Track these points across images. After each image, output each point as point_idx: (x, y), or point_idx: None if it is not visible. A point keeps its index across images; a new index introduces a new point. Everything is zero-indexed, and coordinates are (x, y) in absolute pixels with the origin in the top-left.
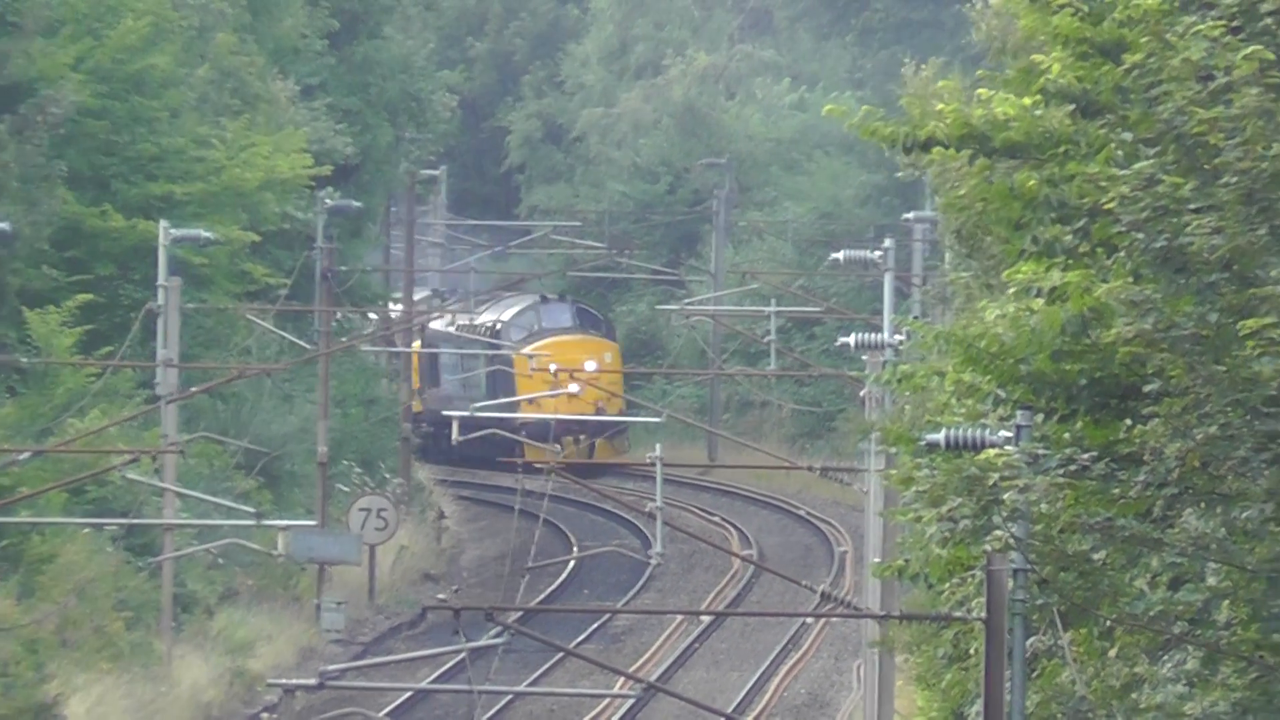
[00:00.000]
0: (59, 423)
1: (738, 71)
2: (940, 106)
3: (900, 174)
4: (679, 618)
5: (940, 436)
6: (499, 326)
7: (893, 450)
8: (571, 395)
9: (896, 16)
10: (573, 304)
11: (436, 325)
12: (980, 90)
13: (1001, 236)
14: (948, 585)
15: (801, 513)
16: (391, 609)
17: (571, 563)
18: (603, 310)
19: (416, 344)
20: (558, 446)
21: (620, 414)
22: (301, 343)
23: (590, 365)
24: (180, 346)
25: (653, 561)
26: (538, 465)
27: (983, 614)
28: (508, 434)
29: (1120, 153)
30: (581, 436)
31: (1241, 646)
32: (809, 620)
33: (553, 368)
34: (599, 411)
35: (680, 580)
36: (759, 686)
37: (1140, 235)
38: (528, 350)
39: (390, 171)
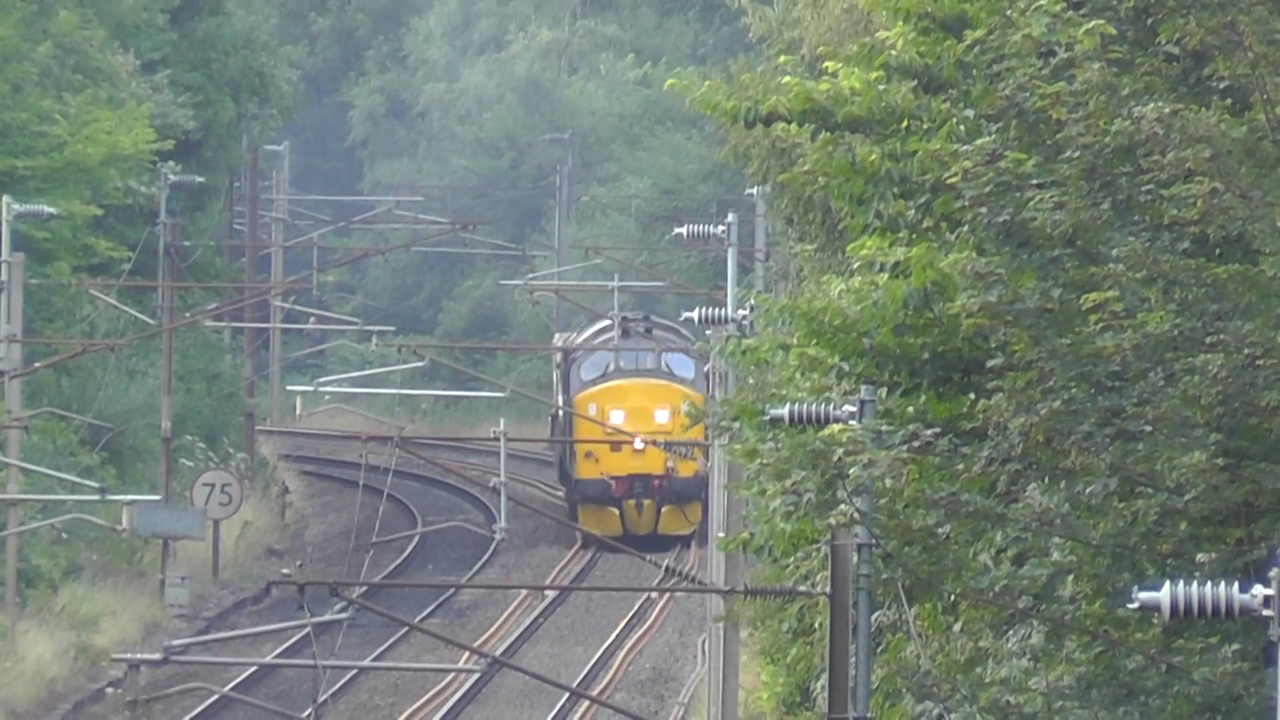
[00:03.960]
0: None
1: (580, 47)
2: (785, 80)
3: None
4: (524, 593)
5: (784, 411)
6: (572, 362)
7: (736, 424)
8: (636, 452)
9: None
10: (660, 343)
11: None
12: (826, 64)
13: (843, 212)
14: (792, 560)
15: None
16: (236, 584)
17: (416, 538)
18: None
19: None
20: (615, 511)
21: (697, 475)
22: (145, 318)
23: (661, 417)
24: (23, 321)
25: (497, 536)
26: (381, 438)
27: (827, 589)
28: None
29: (962, 128)
30: (645, 501)
31: (1086, 621)
32: (653, 595)
33: (616, 417)
34: (669, 471)
35: (524, 555)
36: (604, 661)
37: (983, 210)
38: (587, 394)
39: (233, 147)
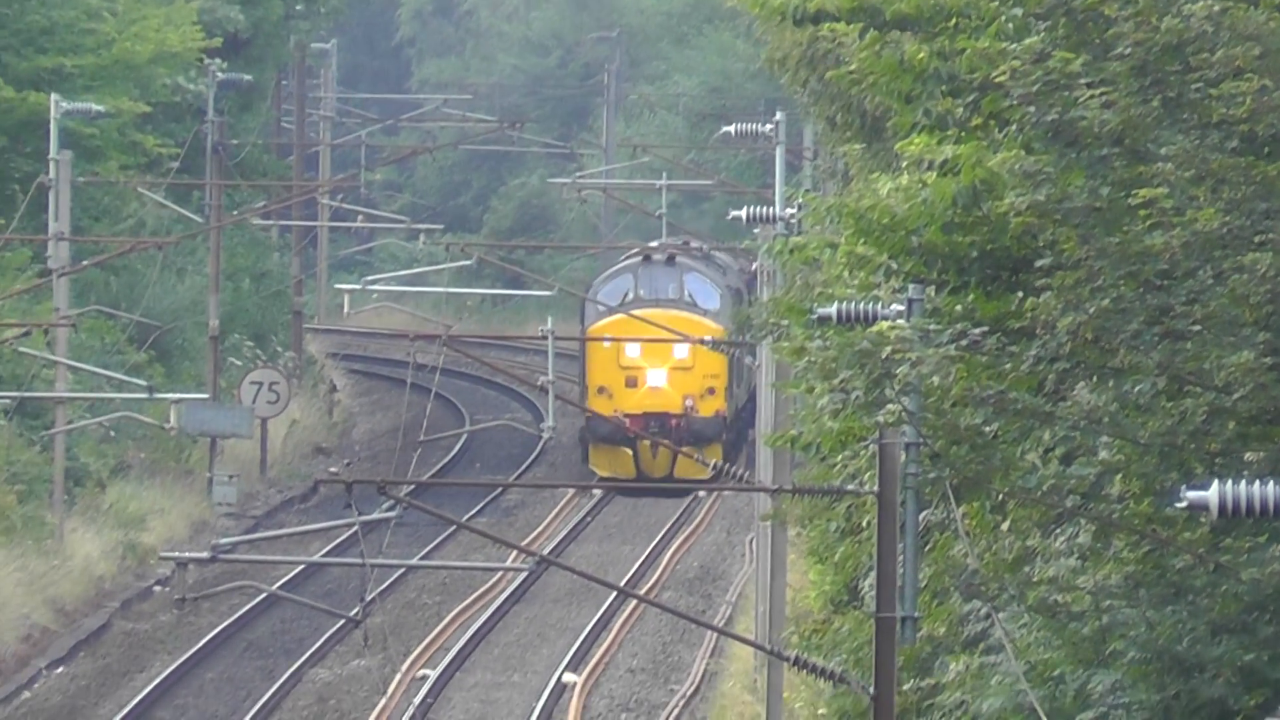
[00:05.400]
0: None
1: None
2: None
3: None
4: (571, 491)
5: (832, 310)
6: (589, 290)
7: (785, 322)
8: (653, 389)
9: None
10: (683, 270)
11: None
12: None
13: (891, 110)
14: (840, 458)
15: None
16: (283, 482)
17: (463, 436)
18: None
19: None
20: (629, 451)
21: (719, 414)
22: (192, 216)
23: (681, 351)
24: (72, 220)
25: (545, 435)
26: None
27: (875, 488)
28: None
29: (1010, 26)
30: (662, 443)
31: (1133, 520)
32: (701, 493)
33: (632, 350)
34: (689, 411)
35: (572, 454)
36: (651, 560)
37: (1031, 109)
38: (601, 325)
39: (280, 45)
